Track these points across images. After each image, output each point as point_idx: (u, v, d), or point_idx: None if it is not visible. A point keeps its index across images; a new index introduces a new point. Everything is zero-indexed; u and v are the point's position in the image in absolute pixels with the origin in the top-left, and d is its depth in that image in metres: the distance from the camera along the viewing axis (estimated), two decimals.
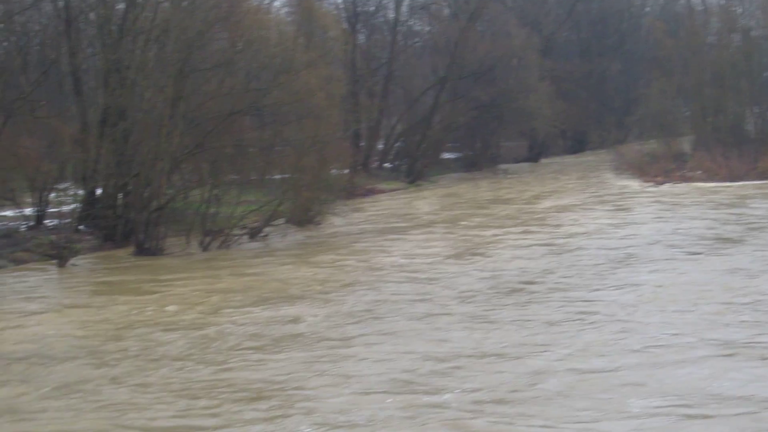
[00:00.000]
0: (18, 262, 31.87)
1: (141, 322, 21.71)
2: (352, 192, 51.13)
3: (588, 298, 23.17)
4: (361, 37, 70.51)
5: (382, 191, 58.81)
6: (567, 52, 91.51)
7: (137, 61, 36.86)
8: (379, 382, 16.09)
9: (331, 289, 25.31)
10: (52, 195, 39.36)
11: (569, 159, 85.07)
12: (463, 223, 40.72)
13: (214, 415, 14.76)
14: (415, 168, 66.86)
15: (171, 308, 23.65)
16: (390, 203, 52.34)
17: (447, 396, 15.22)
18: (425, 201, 53.18)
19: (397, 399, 15.17)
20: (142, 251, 33.57)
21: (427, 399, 15.15)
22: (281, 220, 39.05)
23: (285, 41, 38.96)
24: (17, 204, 40.01)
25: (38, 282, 28.75)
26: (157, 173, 34.38)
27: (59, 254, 31.15)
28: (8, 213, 40.81)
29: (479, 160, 74.04)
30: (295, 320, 21.47)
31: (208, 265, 31.04)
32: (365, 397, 15.36)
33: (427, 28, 78.78)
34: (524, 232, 36.48)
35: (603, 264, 27.84)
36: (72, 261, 31.20)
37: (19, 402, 15.79)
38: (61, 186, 39.85)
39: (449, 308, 22.27)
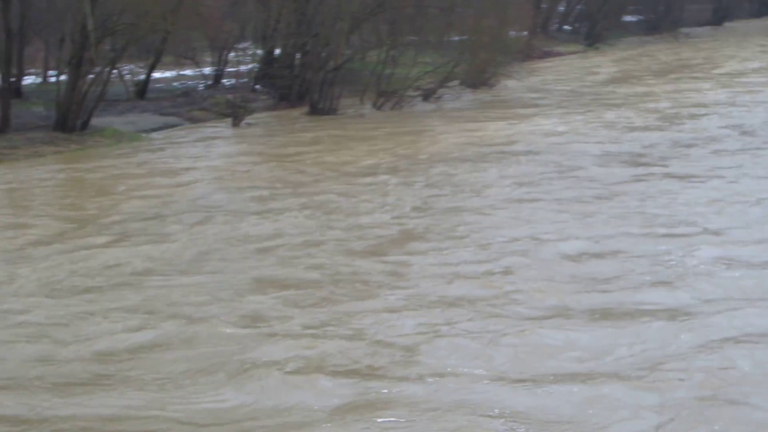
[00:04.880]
0: (194, 120, 32.59)
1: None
2: (528, 54, 50.63)
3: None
4: None
5: (559, 54, 57.97)
6: None
7: None
8: None
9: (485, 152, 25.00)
10: (232, 55, 40.01)
11: (754, 23, 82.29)
12: (641, 88, 39.80)
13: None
14: (595, 31, 65.58)
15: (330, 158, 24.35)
16: (567, 67, 51.47)
17: None
18: (600, 66, 51.96)
19: None
20: (316, 111, 33.92)
21: None
22: (456, 82, 38.96)
23: None
24: (197, 63, 40.86)
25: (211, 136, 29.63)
26: (336, 33, 34.51)
27: (234, 113, 31.72)
28: (188, 72, 41.75)
29: (661, 24, 72.10)
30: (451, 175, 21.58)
31: (377, 125, 31.20)
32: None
33: None
34: (711, 96, 35.77)
35: None
36: (247, 120, 31.73)
37: None
38: (241, 46, 40.44)
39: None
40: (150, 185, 21.24)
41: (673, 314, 11.67)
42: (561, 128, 28.87)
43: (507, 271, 13.73)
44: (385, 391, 9.70)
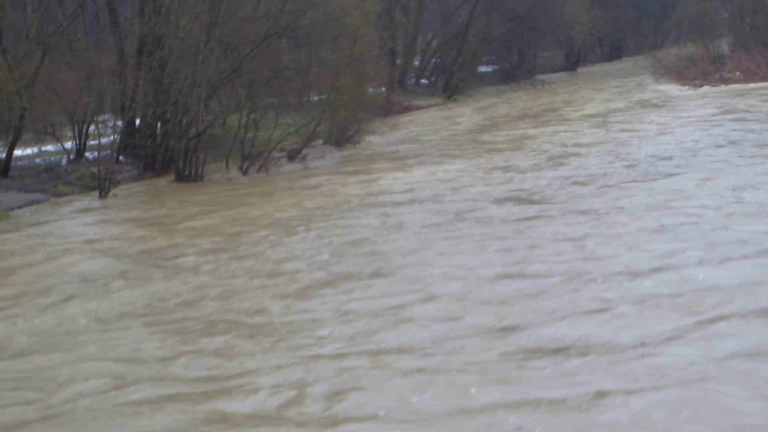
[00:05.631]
0: (60, 195, 32.25)
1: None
2: (389, 110, 51.30)
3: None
4: None
5: (419, 107, 58.75)
6: None
7: None
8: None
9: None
10: (92, 128, 39.69)
11: (607, 66, 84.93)
12: (513, 132, 40.65)
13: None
14: (452, 83, 66.62)
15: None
16: (427, 119, 52.22)
17: None
18: (463, 115, 52.80)
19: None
20: (182, 178, 33.89)
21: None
22: (319, 141, 39.25)
23: None
24: (57, 138, 40.44)
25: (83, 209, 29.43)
26: (194, 100, 34.55)
27: (100, 185, 31.52)
28: (49, 148, 41.29)
29: (516, 72, 73.55)
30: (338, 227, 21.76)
31: (247, 188, 31.35)
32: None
33: None
34: (587, 137, 36.76)
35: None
36: (113, 191, 31.54)
37: None
38: (101, 118, 40.18)
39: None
40: (50, 256, 21.01)
41: (617, 347, 12.00)
42: (449, 175, 29.35)
43: (448, 310, 14.11)
44: None
